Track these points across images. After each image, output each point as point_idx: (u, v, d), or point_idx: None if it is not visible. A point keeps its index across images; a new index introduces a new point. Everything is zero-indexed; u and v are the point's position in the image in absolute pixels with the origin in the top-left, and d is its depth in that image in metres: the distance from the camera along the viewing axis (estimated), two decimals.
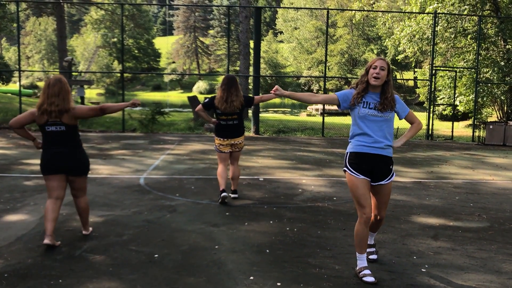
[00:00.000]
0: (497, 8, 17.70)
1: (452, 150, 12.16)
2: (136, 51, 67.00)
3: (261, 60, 30.61)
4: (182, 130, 15.36)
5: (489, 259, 4.34)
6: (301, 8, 51.77)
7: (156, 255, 4.24)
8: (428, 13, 16.87)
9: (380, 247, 4.53)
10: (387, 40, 21.02)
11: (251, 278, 3.79)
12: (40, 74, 60.85)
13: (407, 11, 19.26)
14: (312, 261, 4.18)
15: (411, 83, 49.67)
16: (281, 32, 64.82)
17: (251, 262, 4.12)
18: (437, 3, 17.18)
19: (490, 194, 7.18)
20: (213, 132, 6.40)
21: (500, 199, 6.83)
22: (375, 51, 47.78)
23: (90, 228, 4.84)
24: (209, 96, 6.46)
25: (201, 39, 72.13)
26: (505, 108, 17.99)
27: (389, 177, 3.89)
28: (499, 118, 18.25)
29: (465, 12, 16.99)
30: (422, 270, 4.04)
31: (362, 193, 3.77)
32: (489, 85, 16.76)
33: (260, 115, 15.82)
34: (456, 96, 16.82)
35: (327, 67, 20.01)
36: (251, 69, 18.12)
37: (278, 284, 3.67)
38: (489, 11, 18.02)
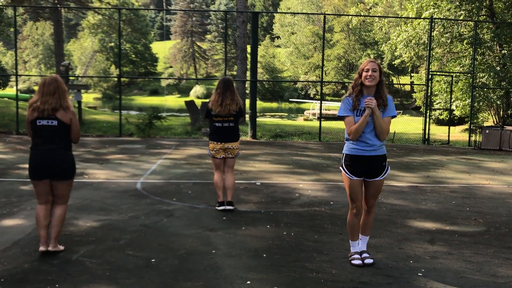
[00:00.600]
0: (493, 14, 17.81)
1: (449, 155, 12.20)
2: (133, 56, 67.00)
3: (258, 65, 30.69)
4: (179, 134, 15.35)
5: (485, 263, 4.36)
6: (298, 13, 51.97)
7: (153, 260, 4.23)
8: (424, 18, 16.95)
9: (376, 252, 4.54)
10: (383, 45, 21.07)
11: (248, 282, 3.79)
12: (37, 79, 60.61)
13: (403, 16, 19.36)
14: (309, 265, 4.19)
15: (407, 87, 49.87)
16: (278, 37, 65.01)
17: (248, 267, 4.12)
18: (433, 9, 17.27)
19: (486, 198, 7.21)
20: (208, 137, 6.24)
21: (496, 204, 6.85)
22: (372, 56, 47.94)
23: (61, 247, 4.34)
24: (207, 100, 6.35)
25: (198, 43, 72.19)
26: (501, 112, 18.06)
27: (383, 173, 4.19)
28: (495, 122, 18.31)
29: (461, 18, 17.08)
30: (419, 274, 4.05)
31: (354, 191, 4.18)
32: (485, 89, 16.84)
33: (257, 119, 15.84)
34: (452, 100, 16.87)
35: (324, 72, 20.05)
36: (248, 73, 18.16)
37: None
38: (484, 17, 18.13)
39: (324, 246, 4.71)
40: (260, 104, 42.59)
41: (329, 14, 35.30)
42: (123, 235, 4.89)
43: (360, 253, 4.26)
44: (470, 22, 16.78)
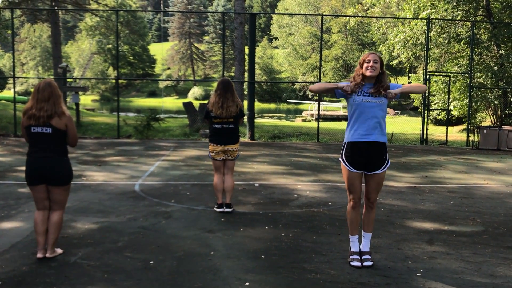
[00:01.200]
0: (490, 14, 17.85)
1: (447, 155, 12.22)
2: (131, 58, 66.95)
3: (256, 66, 30.68)
4: (177, 136, 15.34)
5: (483, 263, 4.36)
6: (295, 14, 52.02)
7: (151, 262, 4.23)
8: (421, 18, 16.98)
9: (375, 252, 4.54)
10: (381, 45, 21.11)
11: (247, 284, 3.79)
12: (35, 81, 60.59)
13: (401, 17, 19.39)
14: (307, 266, 4.19)
15: None
16: (276, 38, 65.06)
17: (247, 268, 4.12)
18: (431, 9, 17.30)
19: (484, 198, 7.22)
20: (208, 138, 6.20)
21: (494, 203, 6.86)
22: None
23: (59, 250, 4.35)
24: (205, 102, 6.33)
25: (196, 45, 72.21)
26: (499, 112, 18.09)
27: (383, 166, 4.17)
28: (493, 122, 18.34)
29: (458, 18, 17.12)
30: (417, 274, 4.05)
31: (353, 183, 4.17)
32: (482, 90, 16.87)
33: (255, 120, 15.84)
34: (450, 101, 16.90)
35: (322, 73, 20.07)
36: (246, 74, 18.16)
37: None
38: (482, 17, 18.16)
39: (323, 247, 4.71)
40: (258, 105, 42.65)
41: (326, 15, 35.30)
42: (121, 237, 4.89)
43: (360, 255, 4.24)
44: (467, 22, 16.80)
